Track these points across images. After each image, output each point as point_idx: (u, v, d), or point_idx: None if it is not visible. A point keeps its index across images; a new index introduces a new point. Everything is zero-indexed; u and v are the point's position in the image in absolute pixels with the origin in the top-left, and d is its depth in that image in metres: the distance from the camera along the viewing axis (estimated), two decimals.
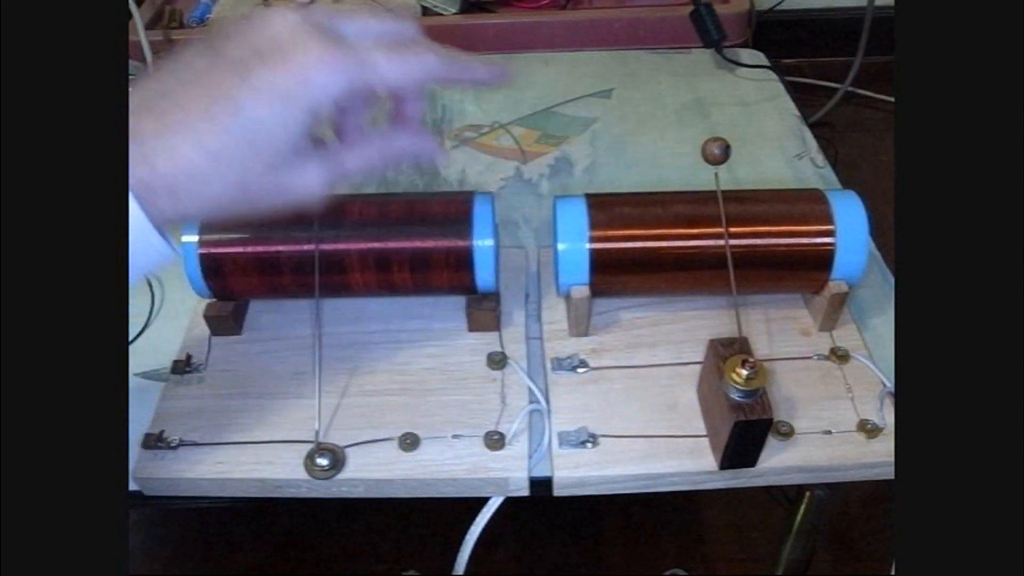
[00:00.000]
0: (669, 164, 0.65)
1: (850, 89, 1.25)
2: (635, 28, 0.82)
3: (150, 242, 0.30)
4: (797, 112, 0.71)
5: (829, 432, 0.42)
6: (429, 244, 0.45)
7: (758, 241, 0.45)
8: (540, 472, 0.41)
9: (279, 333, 0.49)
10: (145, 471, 0.41)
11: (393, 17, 0.35)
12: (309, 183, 0.33)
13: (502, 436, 0.42)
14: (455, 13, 0.84)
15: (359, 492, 0.42)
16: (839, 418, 0.43)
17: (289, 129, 0.31)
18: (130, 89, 0.31)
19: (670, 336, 0.48)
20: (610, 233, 0.45)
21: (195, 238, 0.45)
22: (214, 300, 0.48)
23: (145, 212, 0.29)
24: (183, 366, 0.46)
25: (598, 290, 0.46)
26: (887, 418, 0.42)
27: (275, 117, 0.31)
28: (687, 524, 0.94)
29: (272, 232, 0.45)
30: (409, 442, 0.42)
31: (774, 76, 0.76)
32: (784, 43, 1.39)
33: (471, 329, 0.48)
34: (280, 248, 0.45)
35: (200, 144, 0.30)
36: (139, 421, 0.43)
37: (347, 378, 0.46)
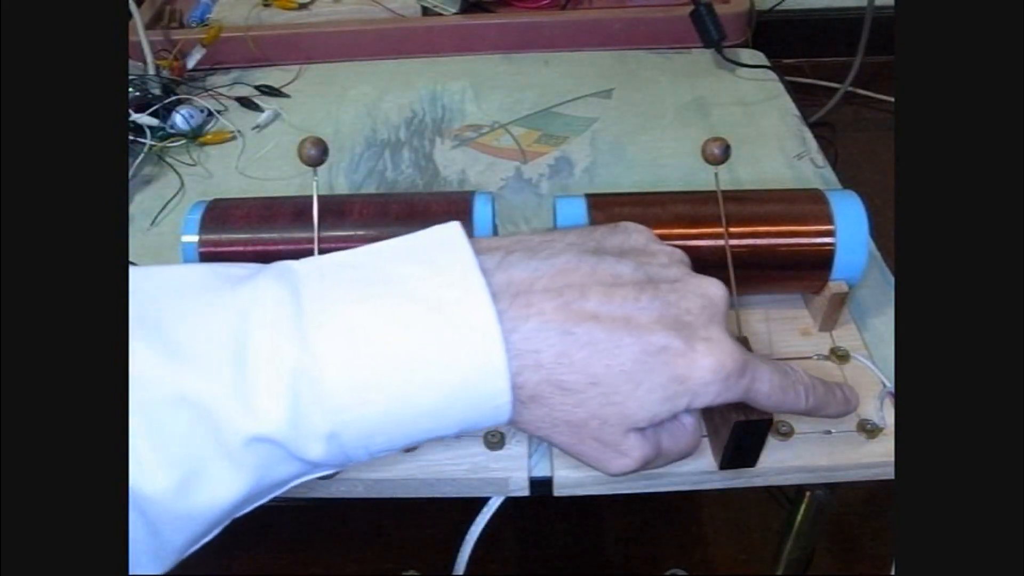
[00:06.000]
0: (669, 164, 0.65)
1: (850, 89, 1.25)
2: (635, 28, 0.82)
3: (499, 399, 0.29)
4: (797, 112, 0.71)
5: (829, 432, 0.42)
6: None
7: (758, 241, 0.45)
8: (540, 472, 0.41)
9: None
10: None
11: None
12: (622, 460, 0.31)
13: (502, 436, 0.42)
14: (455, 13, 0.84)
15: (359, 492, 0.42)
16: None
17: (651, 410, 0.30)
18: (493, 263, 0.30)
19: None
20: None
21: (195, 238, 0.45)
22: None
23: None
24: None
25: None
26: (887, 418, 0.42)
27: (646, 397, 0.30)
28: (687, 524, 0.94)
29: (272, 231, 0.45)
30: None
31: (774, 76, 0.76)
32: (784, 43, 1.40)
33: None
34: (280, 247, 0.45)
35: (567, 361, 0.29)
36: None
37: None
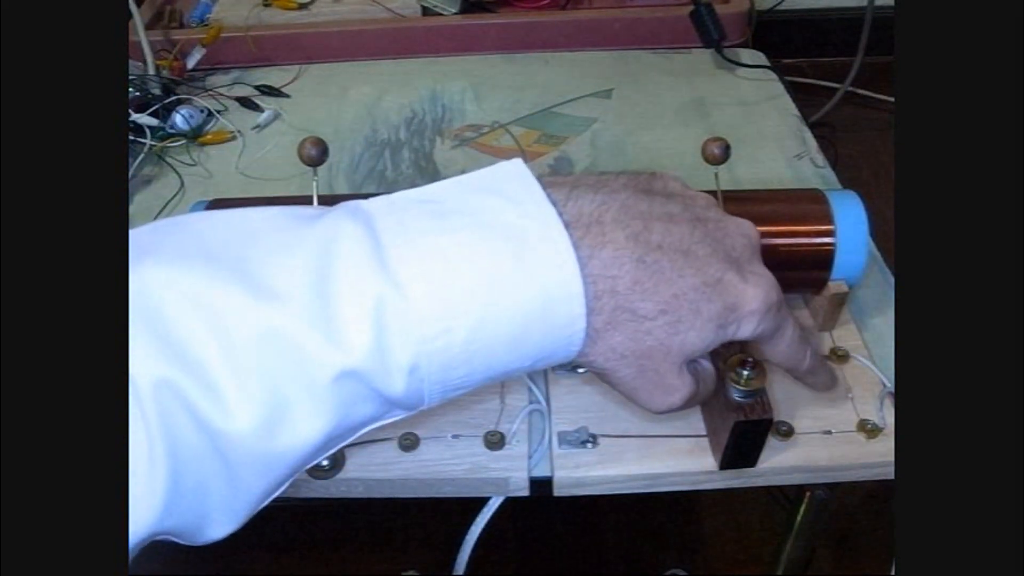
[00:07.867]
0: (669, 164, 0.65)
1: (850, 89, 1.25)
2: (635, 28, 0.82)
3: (574, 332, 0.30)
4: (797, 112, 0.71)
5: (829, 432, 0.42)
6: None
7: None
8: (540, 472, 0.41)
9: None
10: None
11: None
12: (670, 397, 0.33)
13: (502, 436, 0.42)
14: (455, 13, 0.84)
15: (359, 492, 0.42)
16: (839, 418, 0.43)
17: (707, 339, 0.32)
18: (565, 197, 0.31)
19: None
20: None
21: None
22: None
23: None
24: None
25: None
26: (887, 418, 0.42)
27: (705, 326, 0.31)
28: (687, 524, 0.94)
29: None
30: (409, 442, 0.42)
31: (774, 76, 0.76)
32: (784, 43, 1.40)
33: None
34: None
35: (641, 290, 0.30)
36: None
37: None
